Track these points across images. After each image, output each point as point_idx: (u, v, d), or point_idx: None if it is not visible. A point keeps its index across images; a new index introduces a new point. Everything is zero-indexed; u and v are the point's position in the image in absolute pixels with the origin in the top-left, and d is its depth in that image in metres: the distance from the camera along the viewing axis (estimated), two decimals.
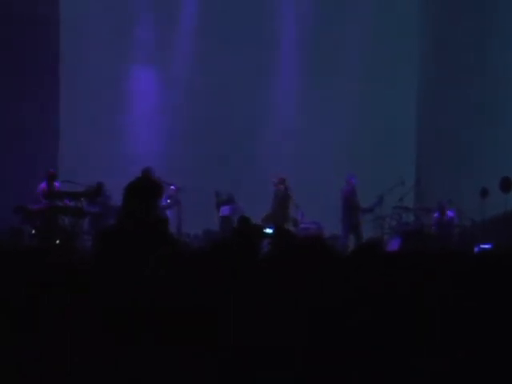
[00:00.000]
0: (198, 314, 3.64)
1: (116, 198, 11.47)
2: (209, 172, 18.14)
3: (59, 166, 17.15)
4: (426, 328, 3.61)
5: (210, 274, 3.90)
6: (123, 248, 4.53)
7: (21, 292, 3.71)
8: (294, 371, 3.49)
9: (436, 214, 15.72)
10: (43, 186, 14.50)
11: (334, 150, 18.92)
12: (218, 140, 18.81)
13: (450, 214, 15.60)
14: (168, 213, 15.11)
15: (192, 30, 19.57)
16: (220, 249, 4.32)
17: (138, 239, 4.74)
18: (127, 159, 18.04)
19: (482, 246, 11.98)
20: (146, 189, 5.06)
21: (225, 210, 16.35)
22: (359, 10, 19.40)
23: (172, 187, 15.41)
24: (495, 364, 3.52)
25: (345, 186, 15.93)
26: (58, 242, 13.22)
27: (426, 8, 18.97)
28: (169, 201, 14.94)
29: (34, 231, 13.80)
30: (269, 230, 11.91)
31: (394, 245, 14.36)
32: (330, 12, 19.35)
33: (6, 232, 13.53)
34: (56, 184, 14.62)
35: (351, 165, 18.03)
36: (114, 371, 3.50)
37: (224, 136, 18.82)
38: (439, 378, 3.50)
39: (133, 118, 19.15)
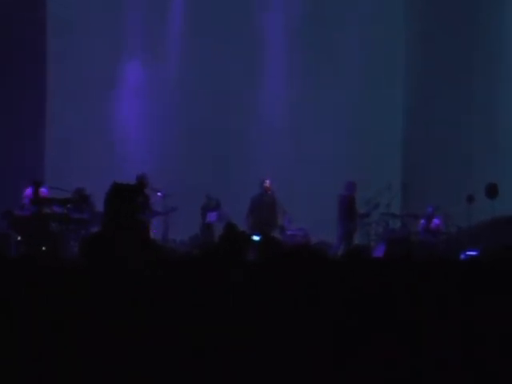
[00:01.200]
0: (182, 321, 3.64)
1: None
2: (198, 174, 18.06)
3: (46, 170, 17.06)
4: (413, 332, 3.62)
5: (198, 280, 3.90)
6: (107, 253, 4.53)
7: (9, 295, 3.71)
8: (287, 372, 3.51)
9: (422, 221, 15.74)
10: (29, 192, 14.44)
11: (323, 152, 18.83)
12: (209, 141, 18.74)
13: (436, 221, 15.62)
14: (154, 219, 15.07)
15: (182, 29, 19.49)
16: (209, 255, 4.32)
17: (120, 244, 4.73)
18: (118, 161, 17.99)
19: (468, 253, 12.00)
20: (125, 192, 5.05)
21: (212, 217, 16.21)
22: (350, 11, 19.39)
23: (159, 193, 15.35)
24: (484, 367, 3.54)
25: (344, 192, 15.75)
26: (44, 248, 13.16)
27: (412, 6, 18.97)
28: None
29: (19, 237, 13.74)
30: (255, 237, 11.84)
31: (379, 251, 14.35)
32: (320, 12, 19.31)
33: None
34: (43, 190, 14.56)
35: (338, 167, 18.04)
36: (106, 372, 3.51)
37: (216, 137, 18.74)
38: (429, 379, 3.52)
39: (123, 117, 19.02)
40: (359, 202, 15.78)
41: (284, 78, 19.60)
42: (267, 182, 15.53)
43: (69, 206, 14.28)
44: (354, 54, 19.23)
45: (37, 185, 14.56)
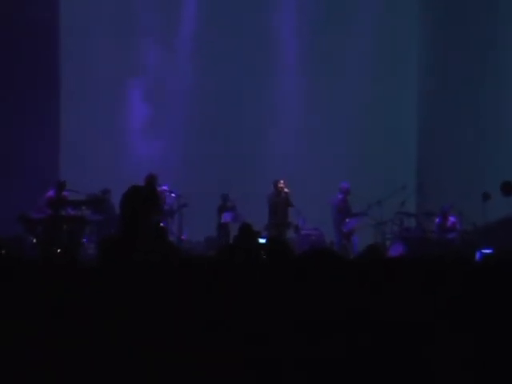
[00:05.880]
0: (196, 320, 3.65)
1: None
2: (213, 175, 18.14)
3: (61, 172, 17.10)
4: (430, 333, 3.61)
5: (212, 281, 3.90)
6: (123, 255, 4.53)
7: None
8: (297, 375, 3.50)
9: (438, 219, 15.68)
10: (50, 193, 14.40)
11: (337, 153, 18.91)
12: (224, 141, 18.81)
13: (451, 219, 15.56)
14: (168, 220, 15.07)
15: (195, 29, 19.56)
16: (223, 256, 4.32)
17: (137, 246, 4.74)
18: (129, 164, 18.05)
19: (484, 251, 11.96)
20: (141, 195, 5.05)
21: (227, 217, 16.25)
22: (361, 11, 19.44)
23: (172, 194, 15.37)
24: (497, 366, 3.53)
25: (337, 195, 15.82)
26: (59, 250, 13.20)
27: (427, 7, 18.92)
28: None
29: (35, 240, 13.78)
30: (262, 240, 11.69)
31: (395, 250, 14.33)
32: (333, 13, 19.40)
33: (8, 241, 13.47)
34: (65, 193, 14.52)
35: (352, 167, 18.06)
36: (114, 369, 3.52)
37: (231, 137, 18.82)
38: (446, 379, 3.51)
39: (137, 118, 19.09)
40: (372, 200, 15.71)
41: (298, 79, 19.65)
42: (281, 183, 15.45)
43: (84, 208, 14.28)
44: (367, 53, 19.26)
45: (60, 187, 14.49)
